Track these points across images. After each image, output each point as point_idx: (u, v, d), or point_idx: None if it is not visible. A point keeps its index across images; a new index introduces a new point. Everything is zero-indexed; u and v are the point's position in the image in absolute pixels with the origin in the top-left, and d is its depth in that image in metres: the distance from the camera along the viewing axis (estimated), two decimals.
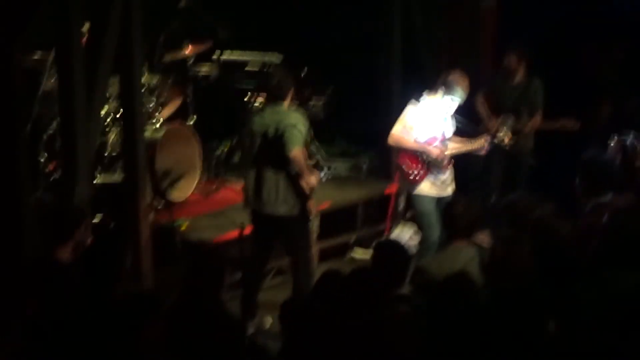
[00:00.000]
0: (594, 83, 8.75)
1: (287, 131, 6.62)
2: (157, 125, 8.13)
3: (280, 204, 6.73)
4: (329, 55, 9.75)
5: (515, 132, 7.96)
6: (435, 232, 7.21)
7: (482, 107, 8.58)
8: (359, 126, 9.57)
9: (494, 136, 7.64)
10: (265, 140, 6.74)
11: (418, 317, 4.34)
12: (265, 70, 9.25)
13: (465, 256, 5.35)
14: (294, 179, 6.70)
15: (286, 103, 6.82)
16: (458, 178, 7.60)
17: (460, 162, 7.68)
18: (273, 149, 6.69)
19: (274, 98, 6.84)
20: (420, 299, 4.69)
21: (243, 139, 7.55)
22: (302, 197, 6.76)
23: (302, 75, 9.17)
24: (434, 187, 7.41)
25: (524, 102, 8.44)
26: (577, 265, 4.66)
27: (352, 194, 8.92)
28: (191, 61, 8.99)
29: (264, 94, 7.09)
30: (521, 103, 8.44)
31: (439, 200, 7.32)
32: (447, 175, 7.47)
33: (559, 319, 4.28)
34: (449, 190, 7.46)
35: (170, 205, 7.84)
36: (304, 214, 6.82)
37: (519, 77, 8.52)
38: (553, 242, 4.83)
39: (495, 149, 7.76)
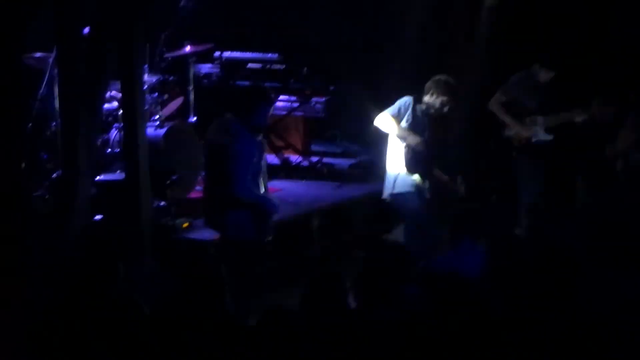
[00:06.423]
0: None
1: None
2: (158, 125, 8.13)
3: None
4: (330, 55, 9.76)
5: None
6: None
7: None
8: (359, 126, 9.56)
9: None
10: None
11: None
12: (267, 68, 9.27)
13: None
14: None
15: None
16: None
17: None
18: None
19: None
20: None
21: None
22: None
23: (303, 75, 9.16)
24: None
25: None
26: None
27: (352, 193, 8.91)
28: (192, 60, 8.98)
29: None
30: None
31: None
32: None
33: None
34: None
35: (170, 204, 7.84)
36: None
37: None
38: None
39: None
